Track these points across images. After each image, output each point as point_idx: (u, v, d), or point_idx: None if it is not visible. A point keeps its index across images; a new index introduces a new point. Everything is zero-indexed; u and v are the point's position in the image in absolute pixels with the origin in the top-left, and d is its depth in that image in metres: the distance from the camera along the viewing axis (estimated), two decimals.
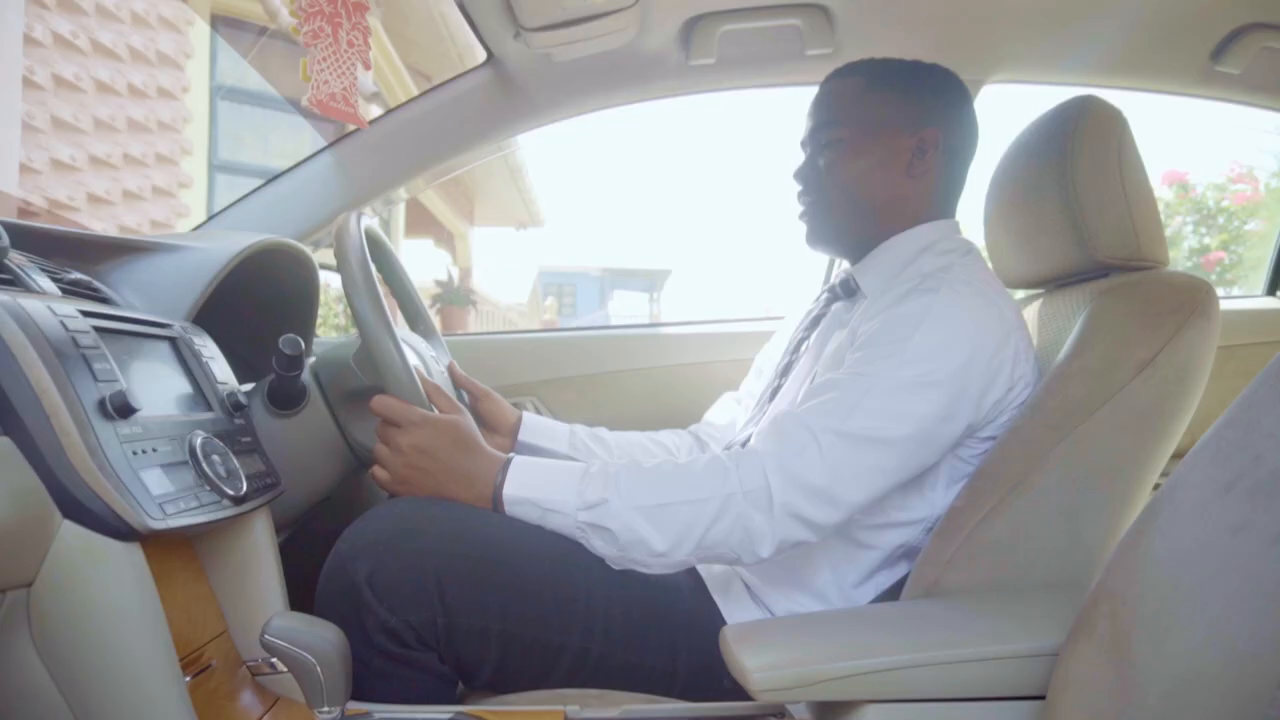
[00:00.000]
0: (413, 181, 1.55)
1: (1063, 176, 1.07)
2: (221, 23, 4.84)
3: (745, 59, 1.48)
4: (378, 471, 0.98)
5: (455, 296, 9.59)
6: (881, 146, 1.08)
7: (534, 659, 0.91)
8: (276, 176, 1.49)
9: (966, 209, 1.66)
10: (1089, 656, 0.69)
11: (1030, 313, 1.19)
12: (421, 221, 10.23)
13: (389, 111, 1.51)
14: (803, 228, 1.16)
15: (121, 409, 0.69)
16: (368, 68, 0.87)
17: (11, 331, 0.64)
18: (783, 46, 1.45)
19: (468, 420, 1.01)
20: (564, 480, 0.94)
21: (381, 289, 1.04)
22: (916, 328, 0.93)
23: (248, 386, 1.10)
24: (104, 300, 0.92)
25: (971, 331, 0.94)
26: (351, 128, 1.57)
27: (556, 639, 0.91)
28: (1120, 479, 0.97)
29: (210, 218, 1.45)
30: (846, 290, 1.14)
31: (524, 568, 0.92)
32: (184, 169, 4.56)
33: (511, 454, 1.00)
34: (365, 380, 1.10)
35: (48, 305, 0.69)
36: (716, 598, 1.02)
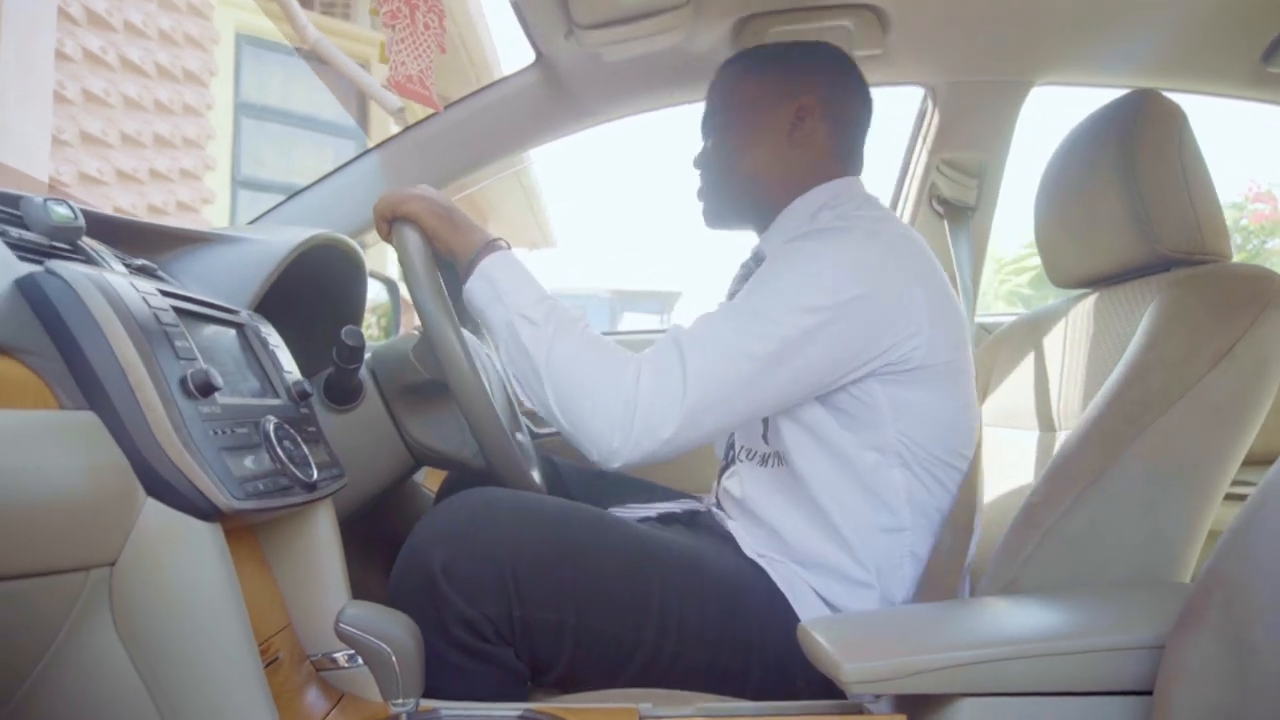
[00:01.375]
0: (449, 187, 1.55)
1: (1125, 170, 1.05)
2: (246, 41, 4.88)
3: None
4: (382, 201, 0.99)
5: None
6: (760, 121, 1.10)
7: (607, 656, 0.88)
8: (324, 177, 1.49)
9: (1006, 203, 1.66)
10: (1201, 646, 0.66)
11: (1085, 310, 1.17)
12: None
13: (438, 113, 1.50)
14: (699, 209, 1.18)
15: (203, 387, 0.67)
16: (443, 51, 0.86)
17: (98, 304, 0.63)
18: None
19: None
20: (528, 287, 0.96)
21: None
22: (781, 273, 0.93)
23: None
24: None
25: (855, 269, 0.92)
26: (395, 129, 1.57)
27: (630, 635, 0.89)
28: (1199, 473, 0.94)
29: (260, 216, 1.45)
30: (758, 260, 1.13)
31: (598, 561, 0.91)
32: (207, 184, 4.59)
33: (507, 246, 1.01)
34: (425, 374, 1.08)
35: (130, 282, 0.68)
36: (790, 597, 1.00)
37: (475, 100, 1.51)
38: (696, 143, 1.21)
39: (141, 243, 0.96)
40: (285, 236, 1.05)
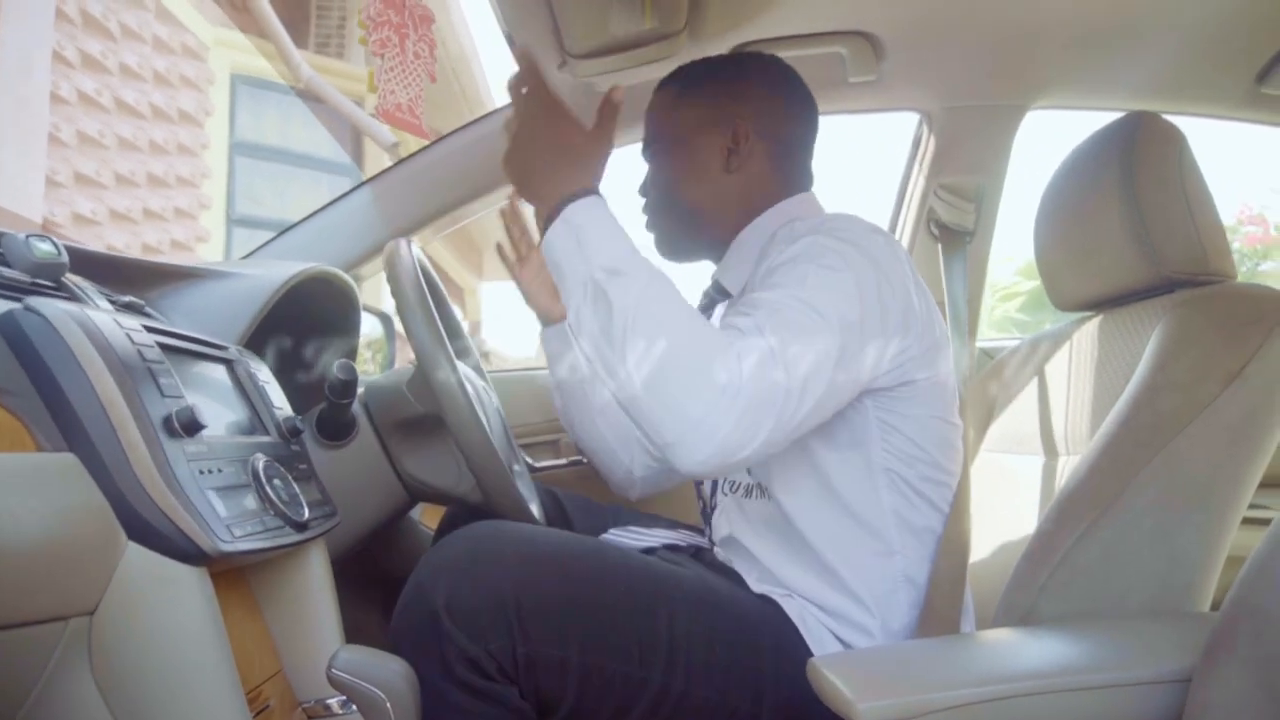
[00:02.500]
0: (441, 220, 1.54)
1: (1125, 192, 1.05)
2: (242, 81, 4.92)
3: None
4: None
5: None
6: (695, 153, 1.06)
7: (613, 694, 0.85)
8: (317, 211, 1.48)
9: (1005, 226, 1.65)
10: (1230, 680, 0.64)
11: (1089, 333, 1.16)
12: None
13: (429, 145, 1.50)
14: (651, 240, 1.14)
15: (188, 425, 0.65)
16: (433, 79, 0.85)
17: (79, 340, 0.60)
18: (826, 74, 1.44)
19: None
20: (621, 242, 0.85)
21: None
22: (820, 268, 0.86)
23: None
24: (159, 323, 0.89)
25: (870, 276, 0.87)
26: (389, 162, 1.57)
27: (637, 673, 0.85)
28: (1215, 497, 0.92)
29: (254, 250, 1.43)
30: (720, 290, 1.10)
31: (604, 597, 0.87)
32: (202, 223, 4.59)
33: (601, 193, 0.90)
34: (420, 407, 1.06)
35: (114, 318, 0.66)
36: (802, 630, 0.96)
37: (468, 132, 1.51)
38: None
39: (129, 279, 0.94)
40: (276, 271, 1.03)
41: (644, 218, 1.13)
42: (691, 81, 1.10)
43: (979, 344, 1.71)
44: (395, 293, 0.98)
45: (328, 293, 1.21)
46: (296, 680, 0.83)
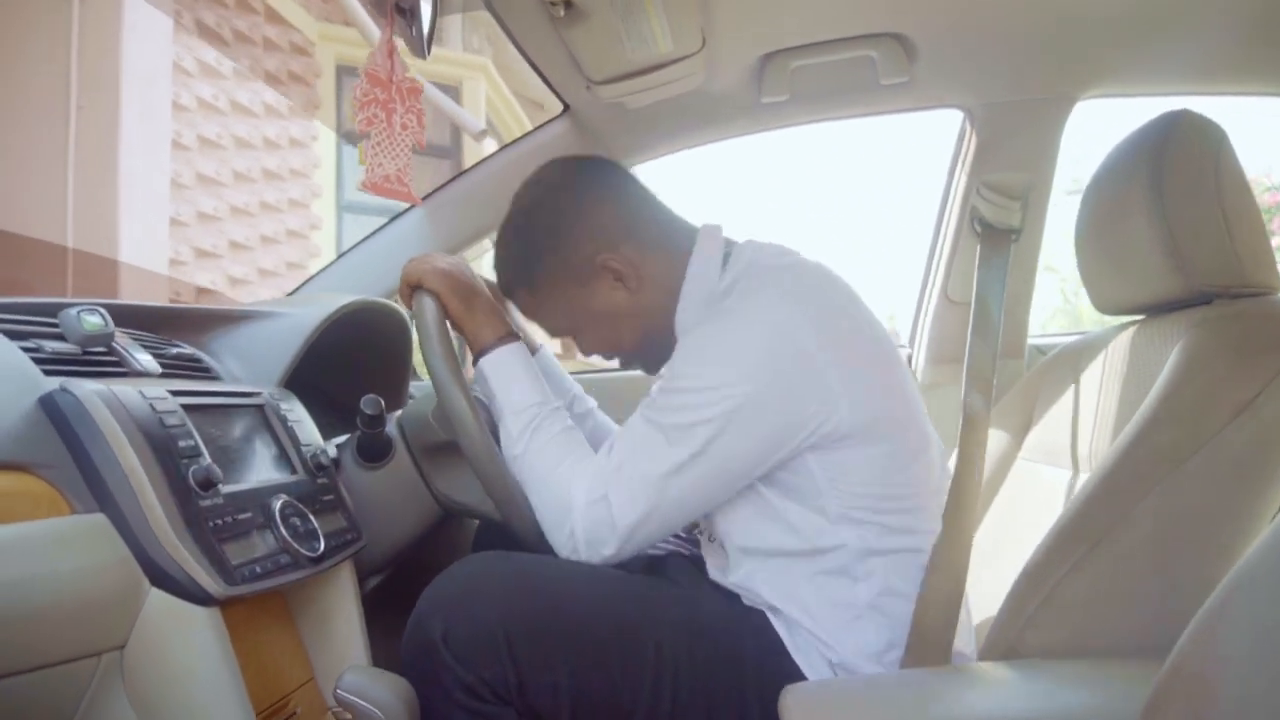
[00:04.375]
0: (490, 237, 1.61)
1: (1153, 199, 0.99)
2: (346, 73, 5.16)
3: (819, 93, 1.46)
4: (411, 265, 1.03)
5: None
6: (594, 309, 1.04)
7: (605, 715, 0.92)
8: (371, 234, 1.58)
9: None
10: None
11: (1124, 341, 1.12)
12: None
13: (475, 165, 1.57)
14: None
15: (204, 483, 0.75)
16: (421, 147, 0.92)
17: (104, 418, 0.71)
18: (857, 78, 1.42)
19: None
20: (527, 389, 1.01)
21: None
22: (685, 363, 0.93)
23: (342, 438, 1.17)
24: (204, 370, 1.01)
25: (751, 362, 0.90)
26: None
27: (626, 697, 0.92)
28: (1220, 534, 0.89)
29: (311, 277, 1.56)
30: None
31: (590, 622, 0.94)
32: (314, 211, 4.88)
33: (517, 339, 1.04)
34: (444, 435, 1.15)
35: (139, 390, 0.77)
36: (791, 648, 1.00)
37: (510, 151, 1.57)
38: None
39: (185, 326, 1.07)
40: (316, 309, 1.13)
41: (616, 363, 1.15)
42: (525, 269, 1.06)
43: (1031, 340, 1.66)
44: (417, 326, 1.06)
45: (379, 318, 1.31)
46: (326, 688, 0.94)
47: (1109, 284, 1.11)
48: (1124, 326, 1.15)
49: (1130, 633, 0.89)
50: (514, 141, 1.57)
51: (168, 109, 3.54)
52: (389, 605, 1.17)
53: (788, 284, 0.97)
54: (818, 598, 0.96)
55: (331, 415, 1.28)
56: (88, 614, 0.68)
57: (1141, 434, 0.91)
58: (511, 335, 1.03)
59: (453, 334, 1.07)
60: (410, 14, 0.85)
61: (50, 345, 0.80)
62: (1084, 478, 1.10)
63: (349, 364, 1.36)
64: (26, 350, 0.76)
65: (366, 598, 1.28)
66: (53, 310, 0.84)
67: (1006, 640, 0.90)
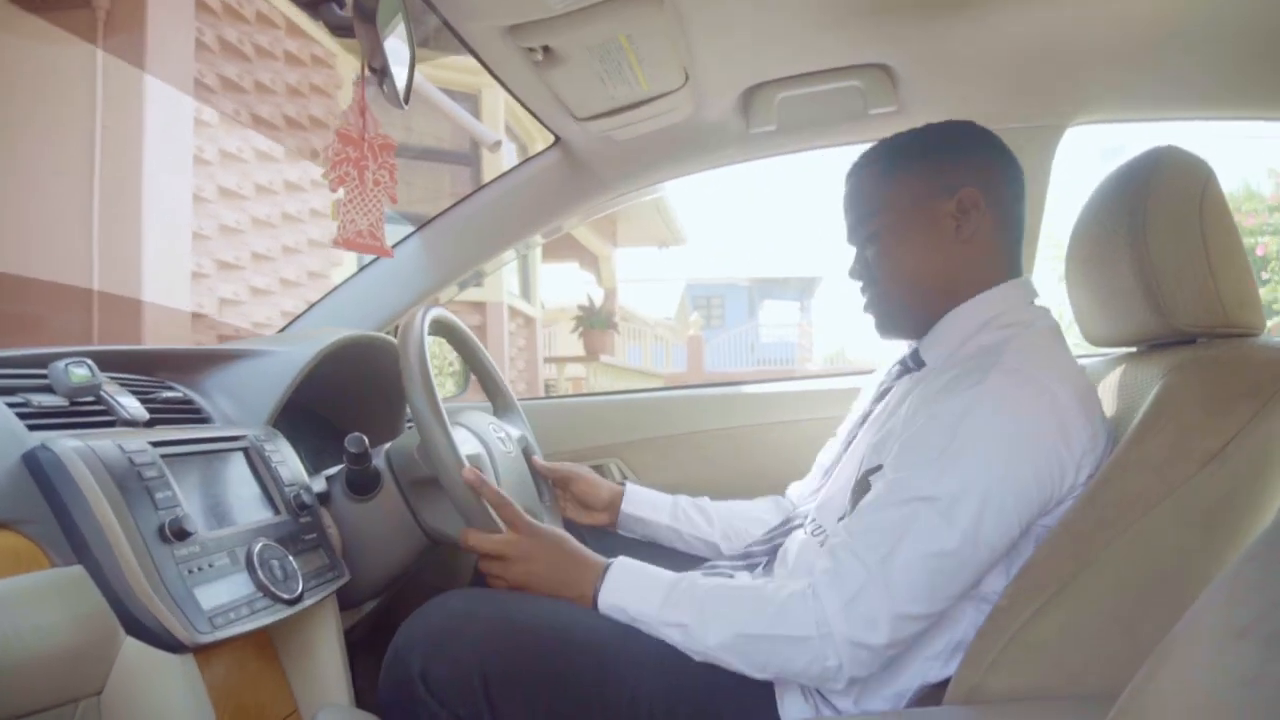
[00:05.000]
0: (488, 264, 1.64)
1: (1135, 240, 1.00)
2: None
3: (807, 122, 1.47)
4: (494, 581, 1.07)
5: (596, 320, 9.86)
6: (922, 224, 1.06)
7: None
8: (366, 265, 1.62)
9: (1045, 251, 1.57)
10: None
11: (1115, 376, 1.12)
12: (565, 246, 10.56)
13: (470, 195, 1.60)
14: (870, 320, 1.15)
15: (178, 533, 0.79)
16: (394, 201, 0.94)
17: (82, 473, 0.75)
18: (845, 107, 1.42)
19: (547, 529, 1.08)
20: (651, 595, 0.98)
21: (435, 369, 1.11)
22: (954, 436, 0.91)
23: (334, 470, 1.21)
24: (195, 413, 1.04)
25: (1013, 431, 0.91)
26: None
27: None
28: (1188, 582, 0.89)
29: (306, 309, 1.60)
30: (916, 362, 1.12)
31: (566, 666, 0.96)
32: (334, 224, 4.95)
33: (611, 561, 1.04)
34: (429, 470, 1.18)
35: (118, 443, 0.80)
36: (777, 688, 1.01)
37: (506, 180, 1.60)
38: None
39: (179, 366, 1.10)
40: (305, 346, 1.17)
41: (862, 299, 1.14)
42: (901, 153, 1.09)
43: None
44: (401, 366, 1.09)
45: (368, 352, 1.34)
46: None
47: (1096, 319, 1.12)
48: (1117, 359, 1.15)
49: (1094, 677, 0.90)
50: (506, 173, 1.60)
51: (190, 124, 3.62)
52: (387, 630, 1.20)
53: (1051, 351, 1.01)
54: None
55: (331, 443, 1.31)
56: (66, 663, 0.71)
57: (1110, 480, 0.92)
58: (599, 574, 1.02)
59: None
60: (382, 72, 0.88)
61: (38, 399, 0.83)
62: None
63: (345, 394, 1.40)
64: (14, 405, 0.80)
65: (362, 623, 1.33)
66: (43, 362, 0.88)
67: (970, 682, 0.92)
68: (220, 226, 3.92)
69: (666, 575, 1.00)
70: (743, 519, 1.35)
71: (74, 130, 3.08)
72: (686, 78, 1.28)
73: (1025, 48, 1.30)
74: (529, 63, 1.14)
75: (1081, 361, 1.31)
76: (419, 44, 1.06)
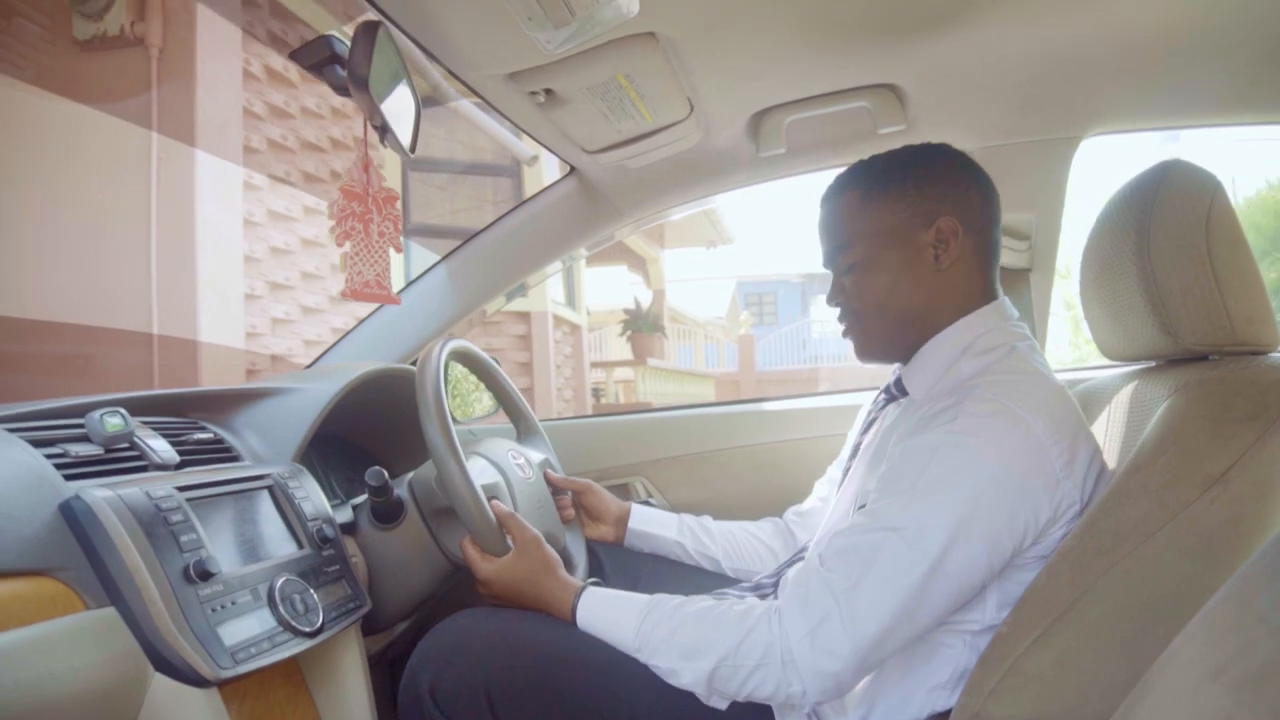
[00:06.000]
0: (516, 284, 1.69)
1: (1141, 258, 0.99)
2: None
3: (817, 144, 1.48)
4: (480, 589, 1.13)
5: (643, 323, 9.89)
6: (900, 255, 1.06)
7: None
8: (400, 290, 1.68)
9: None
10: None
11: (1128, 391, 1.11)
12: (613, 250, 10.61)
13: (491, 224, 1.65)
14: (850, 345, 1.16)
15: (202, 574, 0.84)
16: (399, 250, 0.99)
17: (111, 522, 0.81)
18: (854, 127, 1.43)
19: (539, 553, 1.12)
20: (625, 623, 1.02)
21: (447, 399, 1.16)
22: (925, 470, 0.92)
23: (360, 499, 1.26)
24: (225, 451, 1.10)
25: (984, 464, 0.91)
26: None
27: None
28: (1189, 609, 0.88)
29: (335, 343, 1.66)
30: (900, 389, 1.13)
31: (568, 679, 1.00)
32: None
33: (585, 583, 1.09)
34: (445, 499, 1.22)
35: (146, 491, 0.86)
36: (776, 711, 1.04)
37: (524, 210, 1.64)
38: None
39: (211, 406, 1.17)
40: (328, 384, 1.23)
41: (841, 326, 1.15)
42: (878, 180, 1.09)
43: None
44: (418, 399, 1.14)
45: (393, 383, 1.39)
46: None
47: (1109, 335, 1.11)
48: (1131, 374, 1.14)
49: (1094, 704, 0.89)
50: (525, 201, 1.64)
51: (239, 150, 3.76)
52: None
53: (1028, 381, 0.99)
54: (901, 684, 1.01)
55: (364, 470, 1.38)
56: (100, 699, 0.77)
57: (1109, 507, 0.92)
58: (574, 593, 1.07)
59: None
60: (383, 129, 0.92)
61: (76, 449, 0.90)
62: None
63: (375, 423, 1.46)
64: (52, 456, 0.86)
65: (396, 642, 1.38)
66: (81, 412, 0.95)
67: (971, 710, 0.92)
68: (270, 248, 4.06)
69: (632, 608, 1.02)
70: (741, 535, 1.39)
71: (131, 174, 3.23)
72: (691, 108, 1.30)
73: (1034, 63, 1.29)
74: (533, 104, 1.17)
75: (1096, 375, 1.31)
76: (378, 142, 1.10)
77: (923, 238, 1.05)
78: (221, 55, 3.57)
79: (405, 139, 1.00)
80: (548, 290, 6.49)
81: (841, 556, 0.93)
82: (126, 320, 3.21)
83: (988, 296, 1.08)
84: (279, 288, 4.17)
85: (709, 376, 12.77)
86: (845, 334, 1.15)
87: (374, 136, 0.95)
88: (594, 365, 9.05)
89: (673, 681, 0.97)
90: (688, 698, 1.00)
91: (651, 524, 1.40)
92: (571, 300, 7.86)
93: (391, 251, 0.96)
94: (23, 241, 2.97)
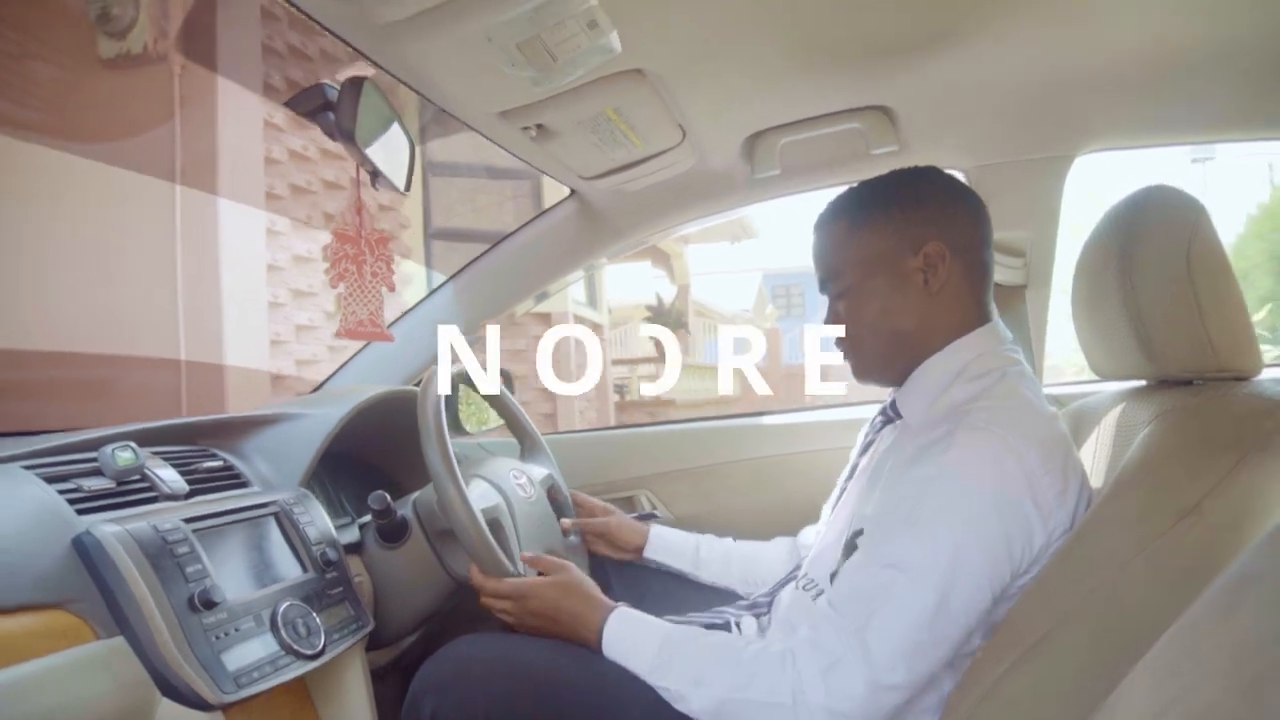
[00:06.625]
0: (521, 302, 1.72)
1: (1124, 283, 1.00)
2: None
3: (811, 165, 1.50)
4: (503, 617, 1.16)
5: (666, 320, 9.92)
6: (890, 281, 1.08)
7: None
8: (407, 311, 1.72)
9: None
10: None
11: (1116, 412, 1.12)
12: None
13: (495, 244, 1.69)
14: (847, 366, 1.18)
15: (206, 603, 0.89)
16: (391, 289, 1.03)
17: (120, 555, 0.85)
18: (848, 148, 1.45)
19: (570, 576, 1.15)
20: (644, 650, 1.04)
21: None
22: (921, 502, 0.94)
23: (367, 518, 1.31)
24: (234, 478, 1.15)
25: (978, 494, 0.93)
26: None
27: None
28: (1162, 634, 0.90)
29: (342, 365, 1.70)
30: (896, 412, 1.14)
31: (567, 703, 1.03)
32: (404, 241, 5.15)
33: (614, 607, 1.11)
34: (447, 521, 1.26)
35: (153, 524, 0.91)
36: None
37: (529, 230, 1.68)
38: None
39: (221, 434, 1.22)
40: (333, 410, 1.27)
41: (839, 351, 1.16)
42: (865, 207, 1.10)
43: (1047, 389, 1.64)
44: (419, 423, 1.18)
45: (398, 405, 1.44)
46: None
47: (1097, 354, 1.12)
48: (1120, 394, 1.15)
49: None
50: (529, 222, 1.68)
51: (260, 162, 3.84)
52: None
53: (1019, 407, 1.01)
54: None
55: (373, 483, 1.42)
56: None
57: (1084, 536, 0.93)
58: (601, 619, 1.08)
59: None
60: (375, 174, 0.96)
61: (89, 483, 0.95)
62: None
63: (383, 443, 1.50)
64: (65, 492, 0.91)
65: (409, 651, 1.43)
66: (94, 446, 1.00)
67: None
68: (293, 256, 4.14)
69: (657, 632, 1.05)
70: (759, 563, 1.41)
71: (155, 194, 3.32)
72: (684, 134, 1.33)
73: (1025, 84, 1.30)
74: (526, 138, 1.21)
75: (1088, 393, 1.31)
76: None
77: (910, 263, 1.07)
78: (243, 72, 3.65)
79: (399, 180, 1.04)
80: (569, 291, 6.54)
81: (849, 599, 0.95)
82: (154, 347, 3.30)
83: (980, 319, 1.10)
84: (302, 295, 4.25)
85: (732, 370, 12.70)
86: (843, 356, 1.17)
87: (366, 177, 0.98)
88: (615, 362, 9.09)
89: (680, 707, 0.99)
90: None
91: (668, 555, 1.43)
92: (593, 300, 7.90)
93: (384, 290, 1.00)
94: (52, 265, 3.07)
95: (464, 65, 0.97)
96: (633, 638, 1.06)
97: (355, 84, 0.89)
